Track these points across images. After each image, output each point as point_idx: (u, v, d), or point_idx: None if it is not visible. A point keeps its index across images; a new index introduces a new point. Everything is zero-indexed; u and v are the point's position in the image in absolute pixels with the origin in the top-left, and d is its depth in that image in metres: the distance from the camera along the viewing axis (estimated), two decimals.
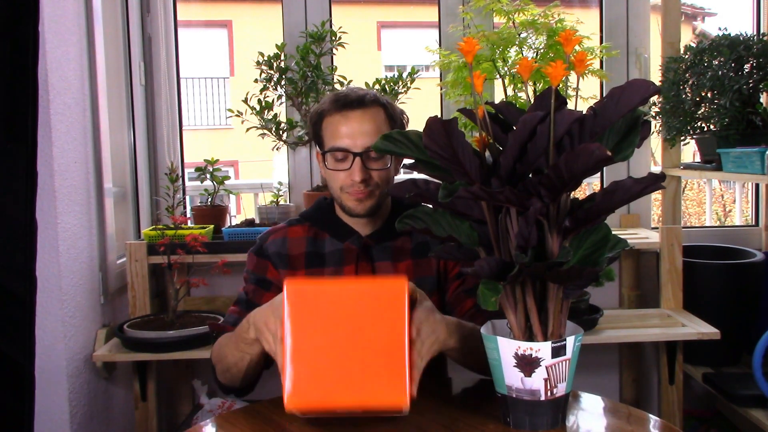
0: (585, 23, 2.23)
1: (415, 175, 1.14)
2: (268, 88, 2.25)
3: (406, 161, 1.15)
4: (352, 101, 1.35)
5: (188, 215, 2.52)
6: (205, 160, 2.37)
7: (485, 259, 0.99)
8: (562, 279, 1.00)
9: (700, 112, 2.15)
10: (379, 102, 1.38)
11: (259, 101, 2.22)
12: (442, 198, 1.00)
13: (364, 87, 2.23)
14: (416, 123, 1.14)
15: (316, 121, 1.41)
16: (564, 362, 1.04)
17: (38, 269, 1.61)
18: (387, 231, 1.42)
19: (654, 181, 0.96)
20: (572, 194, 1.06)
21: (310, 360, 1.02)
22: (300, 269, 1.42)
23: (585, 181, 2.97)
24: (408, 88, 2.26)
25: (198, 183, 2.39)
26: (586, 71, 2.11)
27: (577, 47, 1.10)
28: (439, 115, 2.60)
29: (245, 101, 2.24)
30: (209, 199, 2.40)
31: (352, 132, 1.34)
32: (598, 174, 2.60)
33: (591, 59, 2.20)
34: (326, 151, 1.37)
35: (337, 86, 2.28)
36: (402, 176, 1.46)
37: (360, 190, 1.35)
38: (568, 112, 0.98)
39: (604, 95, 2.53)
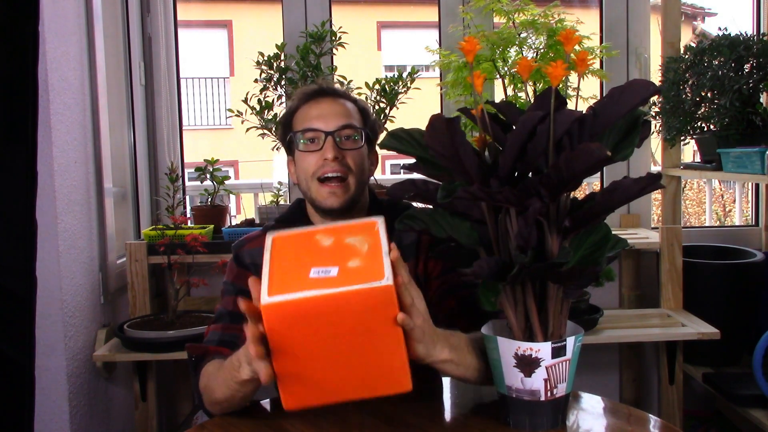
0: (585, 23, 2.23)
1: (415, 175, 1.13)
2: (268, 88, 2.25)
3: (406, 161, 1.14)
4: (323, 89, 1.33)
5: (188, 215, 2.52)
6: (205, 160, 2.37)
7: (484, 259, 0.99)
8: (562, 279, 1.00)
9: (700, 112, 2.15)
10: (350, 97, 1.36)
11: (259, 101, 2.22)
12: (441, 198, 1.00)
13: (364, 88, 2.24)
14: (417, 123, 1.14)
15: (286, 121, 1.36)
16: (564, 363, 1.04)
17: (38, 269, 1.61)
18: None
19: (653, 181, 0.97)
20: (572, 195, 1.06)
21: (301, 369, 0.96)
22: None
23: (585, 181, 2.97)
24: (408, 88, 2.26)
25: (198, 183, 2.39)
26: (587, 71, 2.11)
27: (577, 47, 1.11)
28: None
29: (245, 101, 2.23)
30: (209, 199, 2.40)
31: (322, 113, 1.30)
32: (598, 174, 2.60)
33: (591, 59, 2.20)
34: (296, 131, 1.31)
35: (337, 86, 2.28)
36: (403, 176, 1.44)
37: (333, 170, 1.27)
38: (568, 112, 0.98)
39: (604, 95, 2.54)
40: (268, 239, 1.02)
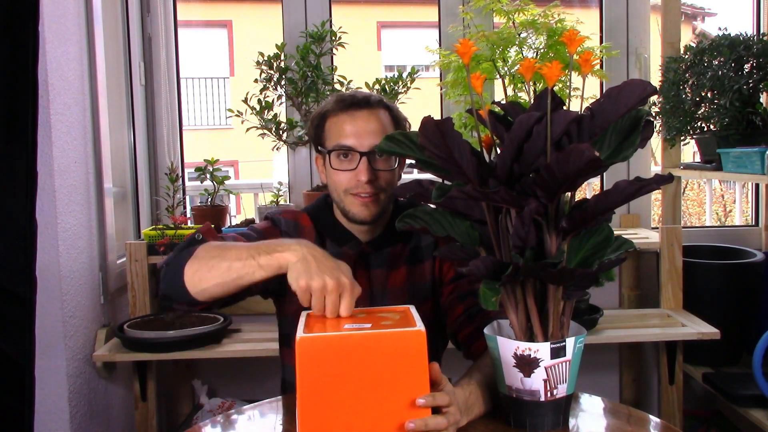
0: (585, 23, 2.23)
1: (422, 175, 1.14)
2: (268, 88, 2.25)
3: (409, 161, 1.15)
4: (358, 101, 1.32)
5: (188, 215, 2.52)
6: (205, 160, 2.37)
7: (481, 258, 0.99)
8: (556, 280, 1.01)
9: (700, 112, 2.15)
10: (384, 104, 1.35)
11: (259, 101, 2.22)
12: (435, 198, 1.01)
13: (364, 88, 2.24)
14: (417, 123, 1.14)
15: (318, 123, 1.36)
16: (564, 363, 1.04)
17: (38, 269, 1.61)
18: (386, 238, 1.38)
19: (648, 183, 0.97)
20: (570, 196, 1.06)
21: (326, 409, 0.96)
22: None
23: (590, 181, 2.96)
24: (408, 88, 2.26)
25: (198, 183, 2.39)
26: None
27: (579, 47, 1.10)
28: (440, 115, 2.61)
29: (245, 101, 2.23)
30: (209, 199, 2.40)
31: (358, 131, 1.30)
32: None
33: (594, 59, 2.20)
34: (330, 150, 1.32)
35: (337, 86, 2.28)
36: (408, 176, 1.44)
37: (366, 191, 1.29)
38: (564, 113, 0.98)
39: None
40: (303, 314, 1.07)
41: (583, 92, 1.05)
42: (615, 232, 1.03)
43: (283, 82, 2.24)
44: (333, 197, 1.37)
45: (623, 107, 0.97)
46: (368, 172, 1.29)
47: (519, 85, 2.22)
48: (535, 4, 2.23)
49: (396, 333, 0.97)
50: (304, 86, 2.22)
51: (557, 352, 1.03)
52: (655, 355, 2.48)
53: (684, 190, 5.25)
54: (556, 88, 1.00)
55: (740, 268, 2.31)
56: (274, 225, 1.40)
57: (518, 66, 1.84)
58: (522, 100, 2.16)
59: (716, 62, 2.09)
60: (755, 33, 2.58)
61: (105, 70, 2.11)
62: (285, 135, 2.27)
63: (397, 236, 1.37)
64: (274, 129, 2.24)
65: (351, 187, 1.31)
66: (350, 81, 2.29)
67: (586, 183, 3.52)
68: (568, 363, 1.05)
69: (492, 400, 1.14)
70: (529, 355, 1.03)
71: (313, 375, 0.96)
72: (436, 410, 0.99)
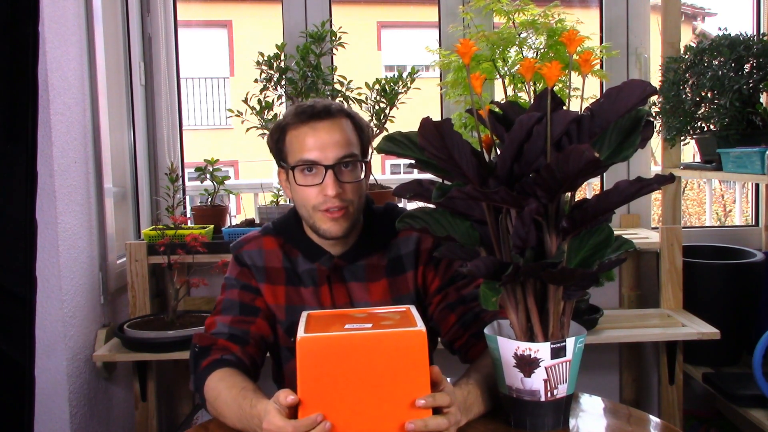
0: (585, 23, 2.23)
1: (422, 175, 1.14)
2: (268, 88, 2.25)
3: (407, 161, 1.14)
4: (318, 112, 1.27)
5: (188, 215, 2.52)
6: (205, 160, 2.37)
7: (481, 258, 0.99)
8: (557, 280, 1.01)
9: (700, 112, 2.15)
10: (345, 112, 1.31)
11: (259, 101, 2.22)
12: (435, 198, 1.01)
13: (364, 88, 2.24)
14: (417, 123, 1.13)
15: (278, 137, 1.31)
16: (564, 363, 1.04)
17: (38, 269, 1.61)
18: (359, 250, 1.34)
19: (648, 184, 0.97)
20: (570, 196, 1.06)
21: (326, 410, 0.96)
22: (280, 284, 1.35)
23: (590, 181, 2.96)
24: (408, 88, 2.26)
25: (198, 183, 2.39)
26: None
27: (579, 47, 1.10)
28: (440, 115, 2.61)
29: (245, 101, 2.23)
30: (209, 199, 2.40)
31: (321, 143, 1.25)
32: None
33: (594, 59, 2.20)
34: (294, 166, 1.27)
35: (337, 86, 2.28)
36: (404, 176, 1.44)
37: (335, 205, 1.25)
38: (564, 113, 0.98)
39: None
40: (303, 314, 1.09)
41: (583, 92, 1.05)
42: (615, 232, 1.03)
43: (283, 82, 2.24)
44: (301, 213, 1.32)
45: (623, 108, 0.97)
46: (335, 185, 1.24)
47: (519, 85, 2.22)
48: (535, 4, 2.23)
49: (396, 333, 0.97)
50: (305, 86, 2.22)
51: (557, 352, 1.03)
52: (655, 355, 2.48)
53: (684, 190, 5.25)
54: (556, 88, 1.00)
55: (740, 268, 2.31)
56: (240, 264, 1.37)
57: (518, 66, 1.85)
58: (522, 100, 2.16)
59: (716, 62, 2.09)
60: (755, 33, 2.58)
61: (105, 70, 2.11)
62: None
63: (371, 247, 1.34)
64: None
65: (319, 202, 1.26)
66: (350, 81, 2.29)
67: (586, 183, 3.52)
68: (568, 363, 1.05)
69: (491, 399, 1.14)
70: (530, 355, 1.03)
71: (314, 375, 0.96)
72: (437, 410, 0.99)
